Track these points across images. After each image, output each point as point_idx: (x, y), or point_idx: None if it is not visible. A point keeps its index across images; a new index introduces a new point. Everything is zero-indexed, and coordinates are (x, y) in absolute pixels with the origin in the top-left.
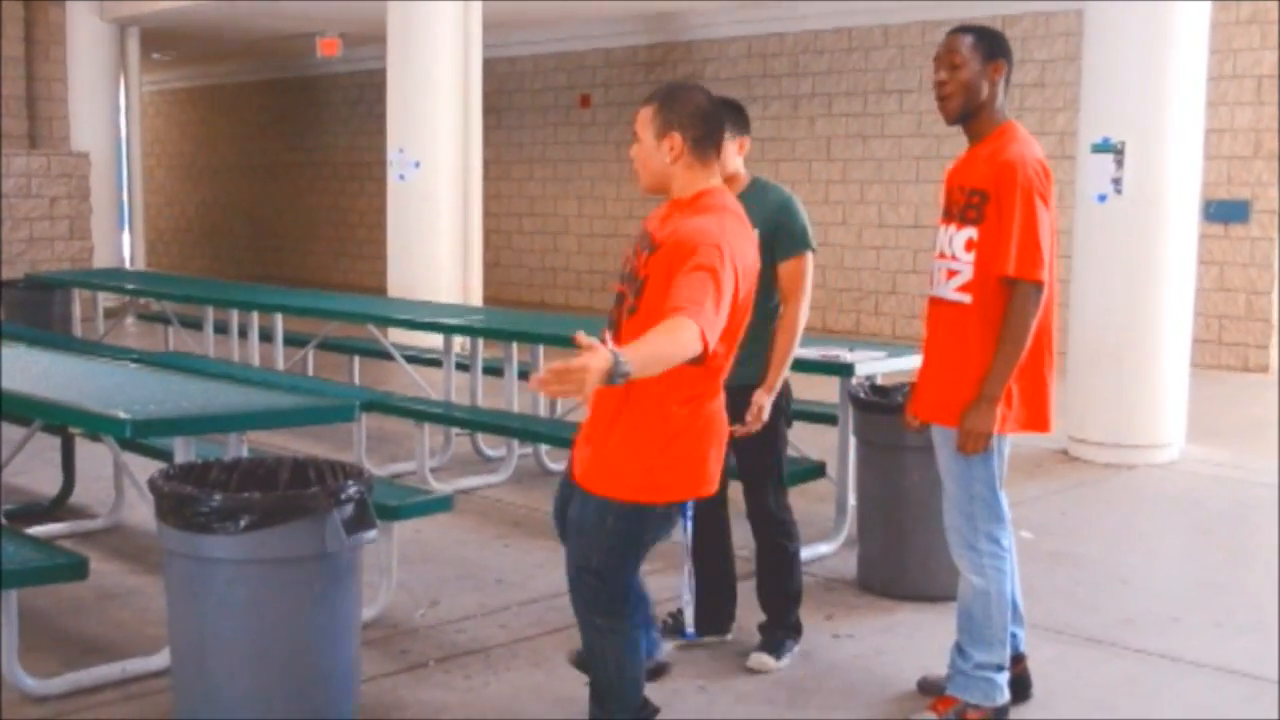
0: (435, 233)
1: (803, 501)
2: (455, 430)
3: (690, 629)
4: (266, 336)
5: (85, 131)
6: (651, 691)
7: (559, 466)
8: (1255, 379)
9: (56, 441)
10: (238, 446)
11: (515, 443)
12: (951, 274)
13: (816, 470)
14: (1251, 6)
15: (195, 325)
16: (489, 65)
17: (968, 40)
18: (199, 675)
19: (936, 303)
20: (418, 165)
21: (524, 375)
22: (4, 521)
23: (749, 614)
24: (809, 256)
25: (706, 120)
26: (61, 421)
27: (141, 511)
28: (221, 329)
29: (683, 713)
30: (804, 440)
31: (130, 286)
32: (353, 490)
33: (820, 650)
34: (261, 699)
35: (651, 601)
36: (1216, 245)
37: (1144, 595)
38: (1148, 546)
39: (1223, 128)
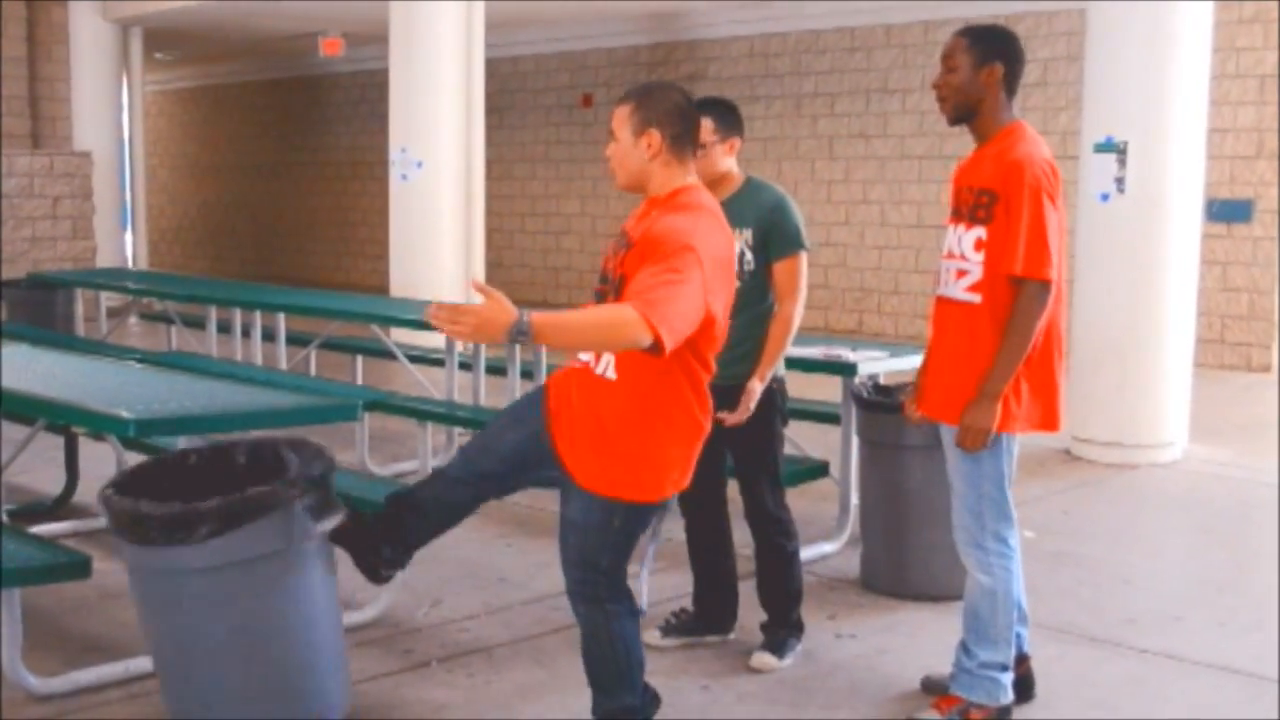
0: (438, 232)
1: (806, 501)
2: (458, 430)
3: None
4: (269, 336)
5: (88, 131)
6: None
7: None
8: (1258, 378)
9: (59, 441)
10: None
11: None
12: (961, 274)
13: (819, 470)
14: (1254, 5)
15: (198, 325)
16: (491, 65)
17: (962, 44)
18: (185, 682)
19: (945, 302)
20: (420, 165)
21: (527, 375)
22: (7, 520)
23: (751, 613)
24: (803, 256)
25: (684, 118)
26: (65, 421)
27: None
28: (224, 328)
29: (685, 712)
30: (807, 440)
31: (133, 286)
32: (314, 474)
33: (823, 649)
34: (251, 696)
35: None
36: (1219, 245)
37: (1146, 595)
38: (1150, 546)
39: (1225, 127)
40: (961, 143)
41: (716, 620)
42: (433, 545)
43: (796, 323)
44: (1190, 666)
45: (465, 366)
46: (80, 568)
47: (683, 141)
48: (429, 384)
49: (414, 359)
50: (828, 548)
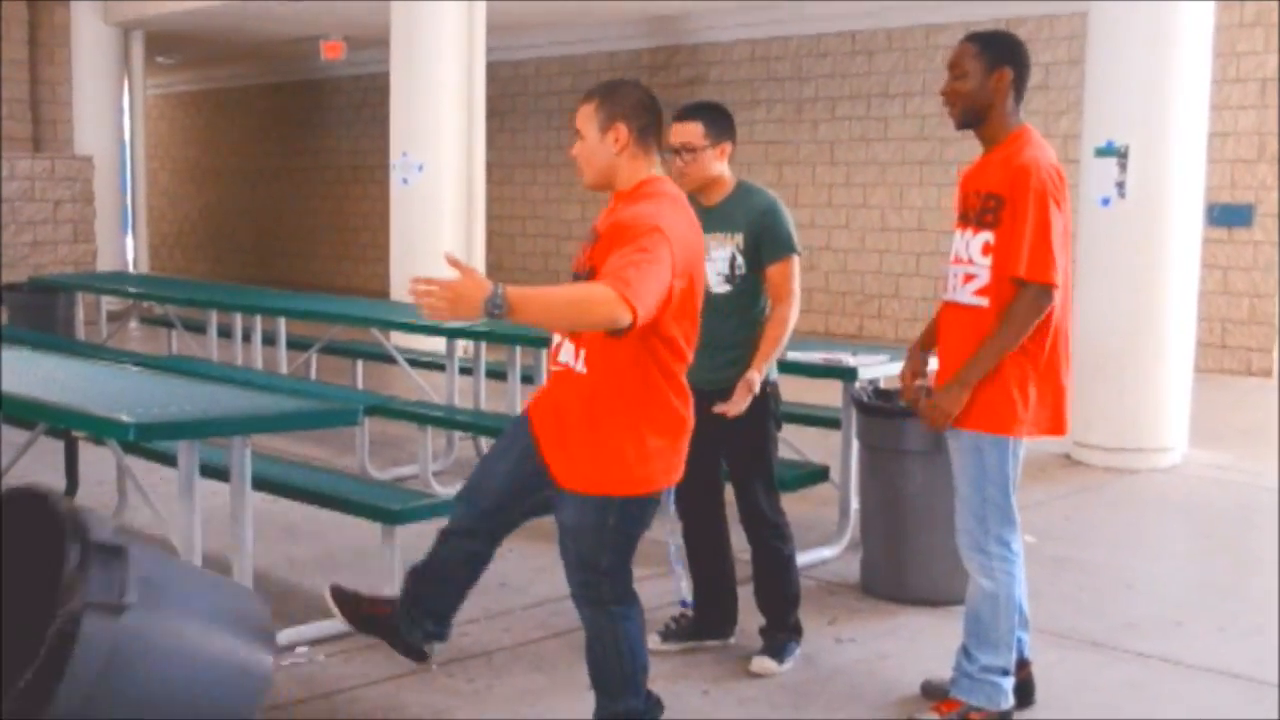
0: (438, 236)
1: (805, 505)
2: (458, 434)
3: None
4: (269, 340)
5: (89, 135)
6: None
7: None
8: (1258, 383)
9: (60, 445)
10: (241, 450)
11: None
12: (969, 278)
13: (819, 474)
14: (1255, 9)
15: (198, 329)
16: (492, 69)
17: (972, 49)
18: None
19: (952, 307)
20: (421, 169)
21: (527, 379)
22: None
23: (751, 618)
24: (795, 259)
25: (649, 111)
26: (65, 425)
27: (145, 514)
28: (225, 333)
29: (685, 716)
30: (807, 444)
31: (133, 290)
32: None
33: (823, 654)
34: None
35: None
36: (1220, 249)
37: (1147, 599)
38: (1151, 551)
39: (1226, 131)
40: (963, 148)
41: (716, 625)
42: None
43: (792, 324)
44: (1191, 671)
45: (466, 371)
46: None
47: (648, 134)
48: (429, 388)
49: (414, 363)
50: (828, 552)
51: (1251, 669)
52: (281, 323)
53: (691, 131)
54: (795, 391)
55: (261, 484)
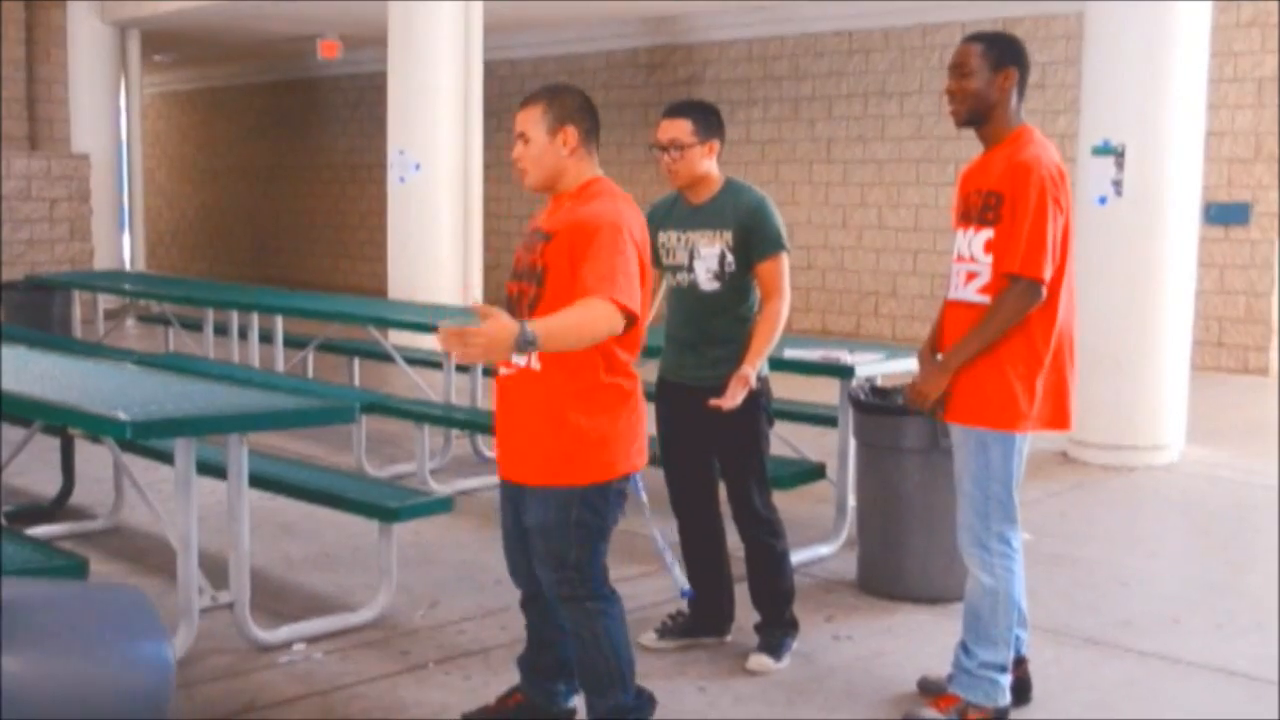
0: (436, 235)
1: (803, 503)
2: (455, 432)
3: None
4: (266, 338)
5: (86, 133)
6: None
7: None
8: (1255, 381)
9: (56, 443)
10: (238, 448)
11: None
12: (971, 276)
13: (816, 472)
14: (1252, 9)
15: (195, 327)
16: (489, 68)
17: (977, 49)
18: None
19: (956, 305)
20: (418, 167)
21: None
22: (4, 522)
23: (747, 614)
24: (784, 256)
25: (592, 114)
26: (61, 423)
27: (141, 512)
28: (221, 331)
29: (683, 714)
30: (804, 442)
31: (130, 288)
32: None
33: (820, 651)
34: None
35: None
36: (1216, 248)
37: (1144, 597)
38: (1147, 548)
39: (1223, 130)
40: (959, 146)
41: (713, 622)
42: (429, 548)
43: (783, 320)
44: (1188, 668)
45: (462, 369)
46: (77, 570)
47: (592, 136)
48: (426, 386)
49: (411, 361)
50: (825, 550)
51: (1249, 666)
52: (278, 321)
53: (680, 128)
54: (792, 389)
55: (258, 482)
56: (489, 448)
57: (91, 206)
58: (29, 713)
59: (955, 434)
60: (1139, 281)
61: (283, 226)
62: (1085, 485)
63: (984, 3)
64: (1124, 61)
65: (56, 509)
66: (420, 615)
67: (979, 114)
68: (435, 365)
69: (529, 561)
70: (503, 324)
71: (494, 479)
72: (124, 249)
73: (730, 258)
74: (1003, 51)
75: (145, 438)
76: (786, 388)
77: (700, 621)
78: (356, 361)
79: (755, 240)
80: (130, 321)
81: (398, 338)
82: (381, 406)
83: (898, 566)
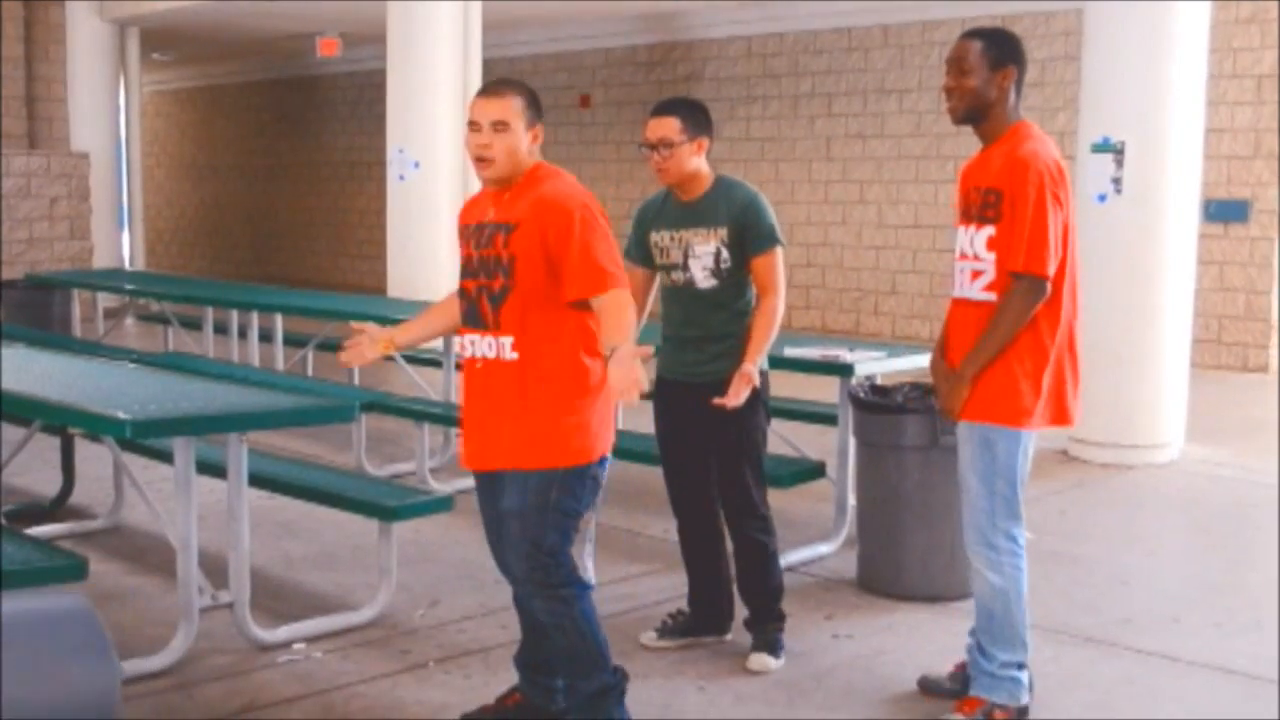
0: (435, 232)
1: (803, 502)
2: (455, 430)
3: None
4: (266, 337)
5: (85, 132)
6: (651, 692)
7: None
8: (1255, 379)
9: (56, 442)
10: (237, 447)
11: None
12: (976, 274)
13: (816, 470)
14: (1251, 5)
15: (195, 326)
16: (489, 65)
17: (976, 46)
18: None
19: (962, 303)
20: (417, 165)
21: None
22: (4, 522)
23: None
24: (779, 251)
25: (541, 111)
26: (61, 422)
27: (141, 512)
28: (221, 329)
29: (683, 713)
30: (804, 440)
31: (130, 287)
32: None
33: (820, 650)
34: None
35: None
36: (1216, 245)
37: (1143, 595)
38: (1147, 546)
39: (1222, 127)
40: (959, 143)
41: (712, 621)
42: (429, 547)
43: (780, 314)
44: (1187, 667)
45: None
46: (77, 569)
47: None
48: (426, 385)
49: (410, 360)
50: (824, 548)
51: (1248, 665)
52: (278, 319)
53: (668, 126)
54: (792, 387)
55: (258, 481)
56: None
57: (91, 205)
58: None
59: (960, 430)
60: (1138, 279)
61: (282, 224)
62: (1085, 483)
63: (984, 0)
64: (1123, 58)
65: (56, 508)
66: (420, 614)
67: (977, 111)
68: (435, 364)
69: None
70: (631, 361)
71: None
72: (123, 247)
73: (726, 254)
74: (1002, 50)
75: (145, 437)
76: (786, 386)
77: (700, 621)
78: None
79: (750, 236)
80: (130, 320)
81: None
82: (381, 405)
83: (897, 565)
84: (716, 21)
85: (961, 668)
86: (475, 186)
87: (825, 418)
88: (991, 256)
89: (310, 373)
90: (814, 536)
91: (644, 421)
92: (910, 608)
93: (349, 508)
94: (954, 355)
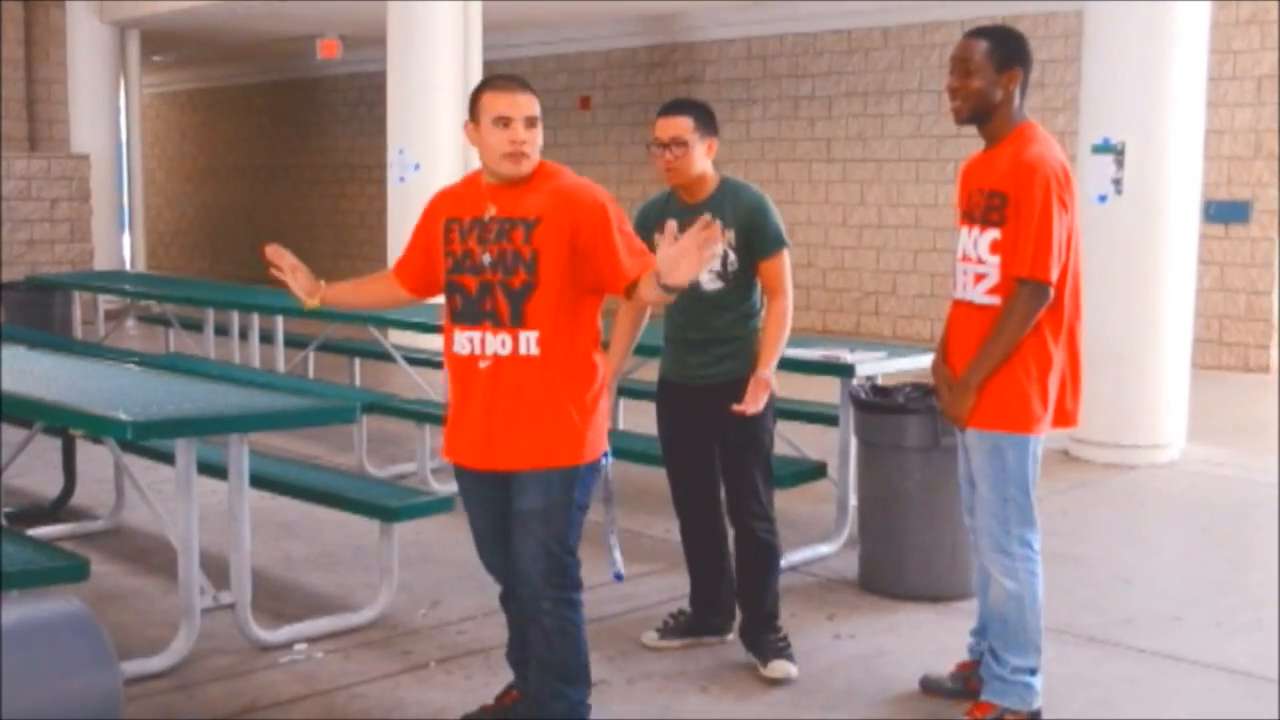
0: None
1: (804, 502)
2: None
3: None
4: (267, 338)
5: (85, 133)
6: (652, 692)
7: None
8: (1256, 379)
9: (57, 443)
10: (239, 448)
11: None
12: (980, 278)
13: (817, 470)
14: (1251, 7)
15: (196, 327)
16: (489, 67)
17: (983, 47)
18: None
19: (964, 306)
20: (417, 167)
21: None
22: (5, 523)
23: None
24: (786, 253)
25: None
26: (62, 423)
27: (142, 513)
28: (222, 331)
29: (684, 713)
30: (805, 440)
31: (130, 288)
32: None
33: (821, 650)
34: None
35: None
36: (1217, 245)
37: (1145, 595)
38: (1149, 546)
39: (1223, 128)
40: (959, 145)
41: (715, 621)
42: (430, 548)
43: (790, 317)
44: (1189, 666)
45: None
46: (78, 570)
47: None
48: (427, 386)
49: (412, 361)
50: (826, 549)
51: (1250, 664)
52: (279, 321)
53: (682, 125)
54: (793, 388)
55: (259, 482)
56: None
57: (91, 207)
58: None
59: (969, 438)
60: (1139, 280)
61: (283, 226)
62: (1086, 483)
63: (984, 1)
64: (1123, 59)
65: (58, 509)
66: (421, 615)
67: (981, 113)
68: (435, 365)
69: (504, 552)
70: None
71: None
72: (124, 249)
73: (733, 256)
74: (1009, 50)
75: (146, 438)
76: (787, 387)
77: (702, 621)
78: (357, 361)
79: (757, 239)
80: (131, 322)
81: (398, 337)
82: (382, 406)
83: (899, 565)
84: (717, 23)
85: (963, 667)
86: None
87: (826, 418)
88: (995, 260)
89: (311, 374)
90: (815, 536)
91: (644, 422)
92: (912, 608)
93: (350, 508)
94: (956, 359)
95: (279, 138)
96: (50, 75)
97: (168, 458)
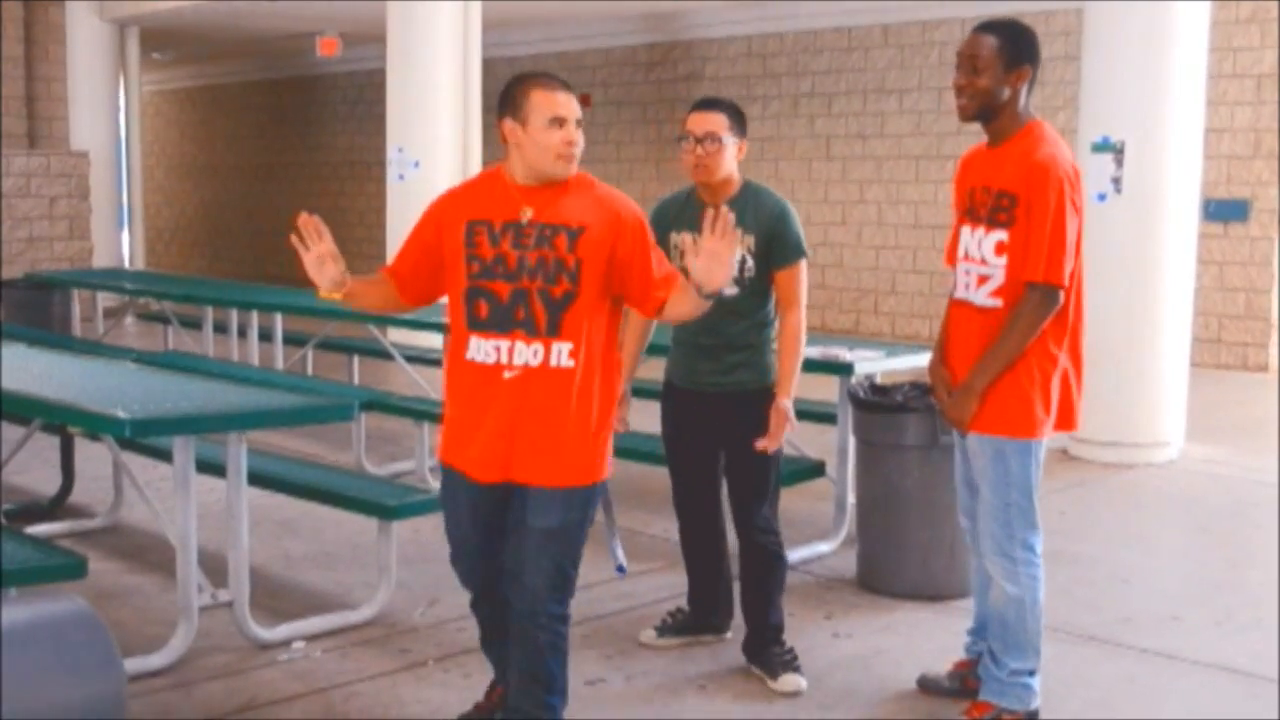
0: None
1: (803, 500)
2: None
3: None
4: (266, 336)
5: (85, 131)
6: (650, 691)
7: None
8: (1255, 378)
9: (56, 441)
10: (237, 446)
11: None
12: (983, 279)
13: (815, 469)
14: (1251, 5)
15: (194, 325)
16: (488, 65)
17: (992, 44)
18: None
19: (965, 307)
20: (417, 165)
21: None
22: (3, 521)
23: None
24: (804, 264)
25: None
26: (61, 421)
27: (141, 510)
28: (221, 328)
29: (682, 712)
30: (803, 439)
31: (129, 286)
32: None
33: (819, 649)
34: None
35: None
36: (1216, 244)
37: (1143, 594)
38: (1147, 545)
39: (1222, 127)
40: (959, 142)
41: (713, 620)
42: (428, 546)
43: (804, 333)
44: (1188, 666)
45: None
46: (76, 568)
47: None
48: (425, 383)
49: (410, 359)
50: (824, 547)
51: (1249, 663)
52: (277, 318)
53: (717, 121)
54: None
55: (257, 480)
56: None
57: (91, 204)
58: None
59: (971, 442)
60: (1138, 279)
61: (282, 224)
62: (1085, 483)
63: (984, 1)
64: (1123, 58)
65: (56, 507)
66: (419, 613)
67: (988, 111)
68: (435, 363)
69: (492, 563)
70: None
71: None
72: (123, 247)
73: (750, 262)
74: (1019, 48)
75: (144, 436)
76: None
77: (700, 619)
78: (356, 359)
79: (777, 247)
80: (129, 319)
81: (397, 335)
82: (381, 404)
83: (897, 564)
84: (716, 21)
85: (961, 666)
86: None
87: (825, 417)
88: (1001, 262)
89: (310, 372)
90: (813, 535)
91: (644, 422)
92: (910, 606)
93: (348, 506)
94: (955, 360)
95: (278, 135)
96: (50, 73)
97: (166, 455)
